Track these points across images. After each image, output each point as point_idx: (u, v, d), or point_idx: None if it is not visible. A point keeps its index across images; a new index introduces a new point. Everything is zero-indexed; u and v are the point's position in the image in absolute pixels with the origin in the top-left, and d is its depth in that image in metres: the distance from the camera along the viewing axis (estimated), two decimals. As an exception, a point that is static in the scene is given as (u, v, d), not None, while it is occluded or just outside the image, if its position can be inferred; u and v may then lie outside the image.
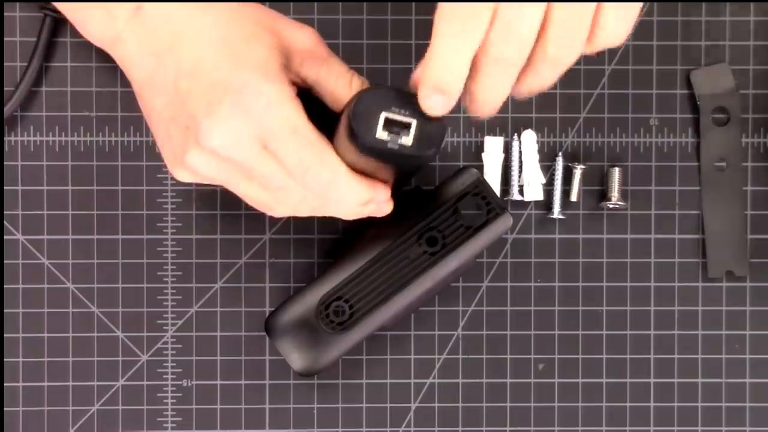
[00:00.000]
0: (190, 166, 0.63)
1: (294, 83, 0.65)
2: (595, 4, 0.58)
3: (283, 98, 0.62)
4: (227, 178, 0.64)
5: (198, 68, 0.62)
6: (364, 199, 0.64)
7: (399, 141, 0.61)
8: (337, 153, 0.63)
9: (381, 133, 0.61)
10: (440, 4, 0.58)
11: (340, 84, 0.65)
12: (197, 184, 0.73)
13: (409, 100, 0.62)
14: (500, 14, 0.58)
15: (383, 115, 0.61)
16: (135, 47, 0.64)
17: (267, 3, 0.74)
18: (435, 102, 0.60)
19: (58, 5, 0.67)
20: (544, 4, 0.58)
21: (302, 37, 0.65)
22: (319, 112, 0.65)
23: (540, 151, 0.74)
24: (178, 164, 0.64)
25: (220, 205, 0.74)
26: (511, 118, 0.74)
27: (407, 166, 0.65)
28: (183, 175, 0.65)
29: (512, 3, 0.57)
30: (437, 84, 0.59)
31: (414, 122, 0.61)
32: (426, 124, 0.62)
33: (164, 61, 0.63)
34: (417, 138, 0.62)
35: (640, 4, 0.60)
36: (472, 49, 0.59)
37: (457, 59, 0.59)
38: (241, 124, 0.61)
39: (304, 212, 0.66)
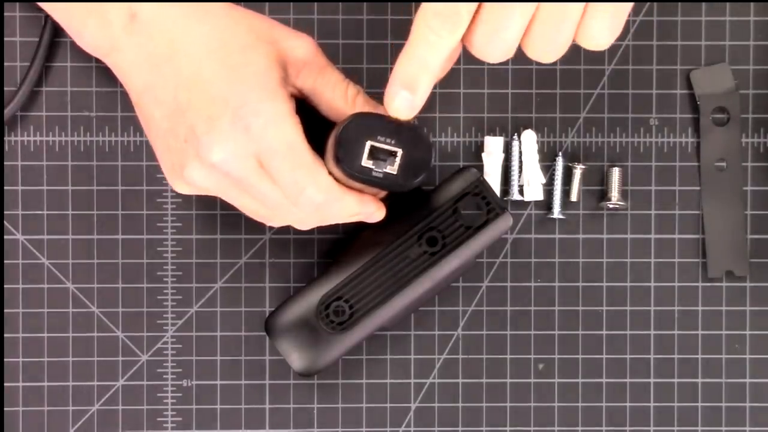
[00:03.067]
0: (189, 179, 0.63)
1: (291, 95, 0.65)
2: (581, 7, 0.59)
3: (282, 116, 0.62)
4: (225, 192, 0.64)
5: (197, 80, 0.62)
6: (354, 212, 0.65)
7: (384, 169, 0.62)
8: (327, 168, 0.63)
9: (366, 161, 0.62)
10: (423, 3, 0.59)
11: (336, 94, 0.65)
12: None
13: (396, 129, 0.62)
14: (485, 17, 0.58)
15: (369, 144, 0.62)
16: (132, 56, 0.63)
17: (267, 3, 0.74)
18: (401, 101, 0.60)
19: (52, 14, 0.67)
20: (530, 7, 0.58)
21: (300, 46, 0.65)
22: (314, 121, 0.66)
23: (540, 151, 0.74)
24: (176, 177, 0.64)
25: (220, 205, 0.74)
26: (511, 118, 0.74)
27: (394, 191, 0.65)
28: (182, 188, 0.65)
29: (499, 3, 0.58)
30: (407, 79, 0.60)
31: (400, 151, 0.62)
32: (412, 153, 0.62)
33: (163, 72, 0.63)
34: (402, 167, 0.62)
35: (626, 13, 0.60)
36: (449, 47, 0.59)
37: (433, 55, 0.59)
38: (241, 141, 0.61)
39: (300, 227, 0.66)
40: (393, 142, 0.62)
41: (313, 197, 0.63)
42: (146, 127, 0.65)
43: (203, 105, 0.61)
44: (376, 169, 0.62)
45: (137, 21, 0.63)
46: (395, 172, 0.62)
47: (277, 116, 0.62)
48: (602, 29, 0.59)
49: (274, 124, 0.61)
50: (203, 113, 0.61)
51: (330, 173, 0.63)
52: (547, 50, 0.60)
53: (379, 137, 0.62)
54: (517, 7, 0.58)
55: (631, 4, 0.60)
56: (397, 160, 0.62)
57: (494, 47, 0.59)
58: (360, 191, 0.65)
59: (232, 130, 0.61)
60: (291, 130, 0.62)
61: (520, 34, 0.59)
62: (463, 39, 0.60)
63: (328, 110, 0.66)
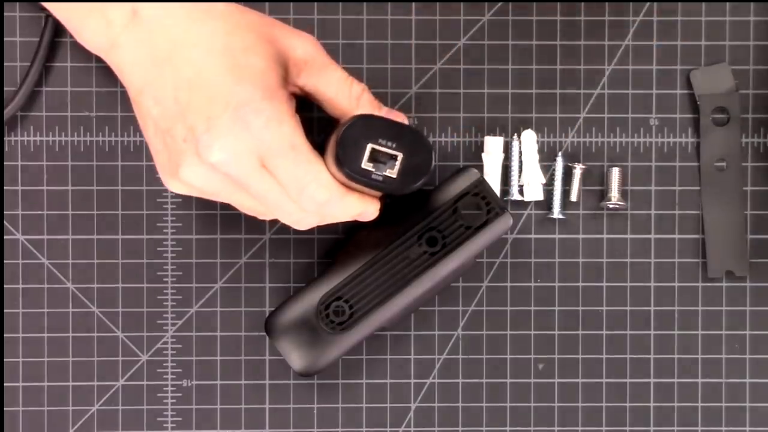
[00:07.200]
0: (185, 178, 0.63)
1: (293, 94, 0.65)
2: None
3: (282, 116, 0.62)
4: (222, 191, 0.64)
5: (197, 80, 0.62)
6: (355, 213, 0.65)
7: (384, 172, 0.62)
8: (329, 169, 0.63)
9: (366, 164, 0.62)
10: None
11: (339, 93, 0.65)
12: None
13: (397, 132, 0.62)
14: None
15: (369, 146, 0.62)
16: (132, 54, 0.63)
17: (267, 3, 0.74)
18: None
19: (53, 11, 0.67)
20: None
21: (301, 45, 0.65)
22: (315, 121, 0.66)
23: (540, 151, 0.74)
24: (171, 176, 0.64)
25: (220, 205, 0.74)
26: (511, 118, 0.74)
27: (392, 195, 0.65)
28: (176, 186, 0.65)
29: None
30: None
31: (400, 155, 0.62)
32: (412, 158, 0.62)
33: (162, 71, 0.63)
34: (402, 171, 0.63)
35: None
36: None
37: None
38: (241, 141, 0.61)
39: (298, 227, 0.66)
40: (394, 145, 0.62)
41: (315, 195, 0.63)
42: (143, 125, 0.65)
43: (203, 105, 0.61)
44: (376, 172, 0.62)
45: (138, 19, 0.63)
46: (395, 176, 0.62)
47: (278, 116, 0.62)
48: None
49: (275, 123, 0.61)
50: (203, 113, 0.61)
51: (333, 175, 0.63)
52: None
53: (380, 140, 0.62)
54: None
55: None
56: (397, 164, 0.62)
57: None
58: (360, 191, 0.65)
59: (232, 128, 0.61)
60: (291, 130, 0.62)
61: None
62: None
63: (332, 109, 0.66)
